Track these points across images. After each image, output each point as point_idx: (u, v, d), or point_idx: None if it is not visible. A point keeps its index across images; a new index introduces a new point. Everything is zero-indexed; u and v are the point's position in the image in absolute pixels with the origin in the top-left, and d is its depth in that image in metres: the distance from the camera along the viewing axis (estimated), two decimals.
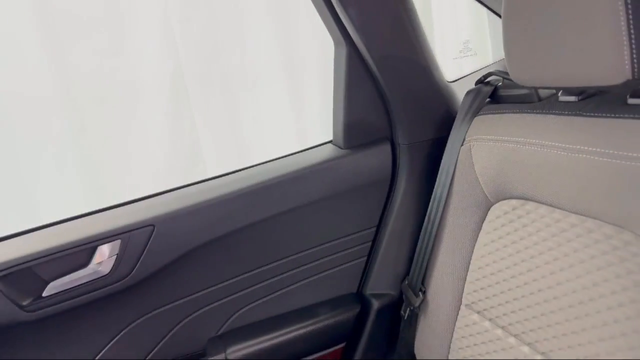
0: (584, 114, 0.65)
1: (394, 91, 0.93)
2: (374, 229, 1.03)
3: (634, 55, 0.52)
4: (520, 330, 0.72)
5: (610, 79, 0.54)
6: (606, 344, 0.59)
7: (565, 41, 0.57)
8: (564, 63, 0.59)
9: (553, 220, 0.67)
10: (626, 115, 0.59)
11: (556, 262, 0.67)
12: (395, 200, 1.00)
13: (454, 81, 1.05)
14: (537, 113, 0.73)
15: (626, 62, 0.52)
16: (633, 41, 0.51)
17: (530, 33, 0.62)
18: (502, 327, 0.75)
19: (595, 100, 0.67)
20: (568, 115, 0.67)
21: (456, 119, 0.87)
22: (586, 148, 0.62)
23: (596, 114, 0.63)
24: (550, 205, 0.68)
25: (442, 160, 0.88)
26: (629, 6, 0.50)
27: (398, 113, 0.96)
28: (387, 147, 0.99)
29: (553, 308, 0.67)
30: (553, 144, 0.67)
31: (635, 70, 0.52)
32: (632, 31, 0.51)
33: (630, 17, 0.50)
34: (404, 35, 0.89)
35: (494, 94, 0.85)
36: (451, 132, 0.87)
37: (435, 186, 0.89)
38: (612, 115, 0.61)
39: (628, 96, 0.61)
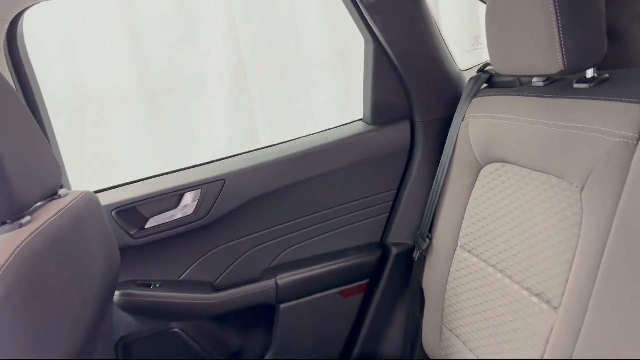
0: (544, 95, 0.86)
1: (411, 79, 1.17)
2: (394, 191, 1.27)
3: (564, 52, 0.73)
4: (497, 261, 0.94)
5: (550, 70, 0.76)
6: (550, 271, 0.81)
7: (521, 39, 0.79)
8: (521, 56, 0.80)
9: (521, 177, 0.89)
10: (570, 96, 0.80)
11: (522, 208, 0.88)
12: (413, 167, 1.24)
13: (466, 70, 1.26)
14: (515, 95, 0.94)
15: (558, 56, 0.73)
16: (562, 41, 0.72)
17: (502, 32, 0.84)
18: (485, 261, 0.98)
19: (556, 85, 0.87)
20: (534, 97, 0.88)
21: (460, 101, 1.10)
22: (543, 121, 0.83)
23: (552, 96, 0.84)
24: (520, 166, 0.90)
25: (448, 134, 1.11)
26: (559, 14, 0.72)
27: (415, 96, 1.19)
28: (406, 124, 1.23)
29: (520, 243, 0.89)
30: (523, 118, 0.88)
31: (566, 63, 0.73)
32: (561, 34, 0.72)
33: (560, 22, 0.72)
34: (419, 33, 1.12)
35: (489, 80, 1.07)
36: (456, 112, 1.10)
37: (442, 155, 1.12)
38: (562, 96, 0.82)
39: (574, 82, 0.82)
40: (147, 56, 2.38)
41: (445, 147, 1.11)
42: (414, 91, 1.19)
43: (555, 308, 0.77)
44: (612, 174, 0.66)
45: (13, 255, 0.58)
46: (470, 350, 0.98)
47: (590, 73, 0.80)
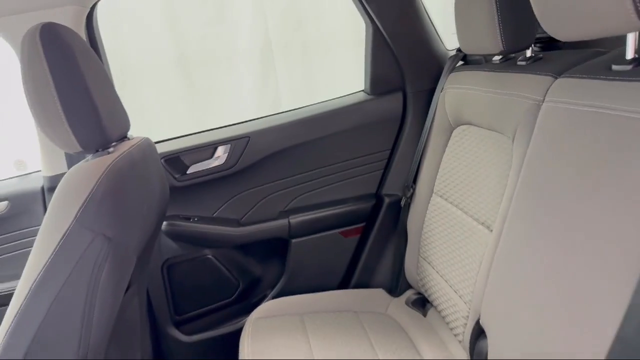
0: (496, 70, 1.10)
1: (403, 57, 1.41)
2: (388, 151, 1.53)
3: (502, 34, 0.96)
4: (459, 202, 1.20)
5: (493, 50, 1.00)
6: (492, 204, 1.06)
7: (474, 24, 1.03)
8: (475, 38, 1.04)
9: (480, 135, 1.14)
10: (511, 71, 1.04)
11: (478, 159, 1.13)
12: (404, 130, 1.49)
13: (451, 50, 1.49)
14: (478, 70, 1.18)
15: (499, 40, 0.97)
16: (500, 24, 0.96)
17: (464, 18, 1.08)
18: (450, 202, 1.23)
19: (508, 62, 1.11)
20: (490, 71, 1.12)
21: (441, 75, 1.34)
22: (494, 90, 1.07)
23: (501, 70, 1.08)
24: (479, 126, 1.14)
25: (431, 102, 1.35)
26: (498, 5, 0.95)
27: (407, 72, 1.44)
28: (399, 95, 1.48)
29: (475, 186, 1.13)
30: (482, 88, 1.12)
31: (504, 44, 0.97)
32: (500, 22, 0.96)
33: (498, 5, 0.95)
34: (409, 17, 1.36)
35: (464, 57, 1.30)
36: (437, 84, 1.34)
37: (426, 120, 1.37)
38: (506, 70, 1.06)
39: (518, 59, 1.05)
40: (183, 34, 2.70)
41: (429, 113, 1.36)
42: (406, 67, 1.43)
43: (491, 231, 1.03)
44: (527, 127, 0.91)
45: (105, 172, 0.87)
46: (437, 272, 1.25)
47: (528, 53, 1.03)
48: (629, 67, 0.73)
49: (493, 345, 0.90)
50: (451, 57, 1.34)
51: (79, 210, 0.79)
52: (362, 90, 1.56)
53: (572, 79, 0.82)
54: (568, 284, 0.71)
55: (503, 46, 0.97)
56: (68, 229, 0.79)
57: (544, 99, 0.86)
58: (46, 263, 0.77)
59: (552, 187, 0.78)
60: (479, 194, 1.11)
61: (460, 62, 1.31)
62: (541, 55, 1.02)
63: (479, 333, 0.99)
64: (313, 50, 2.90)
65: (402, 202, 1.45)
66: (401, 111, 1.49)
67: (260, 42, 2.92)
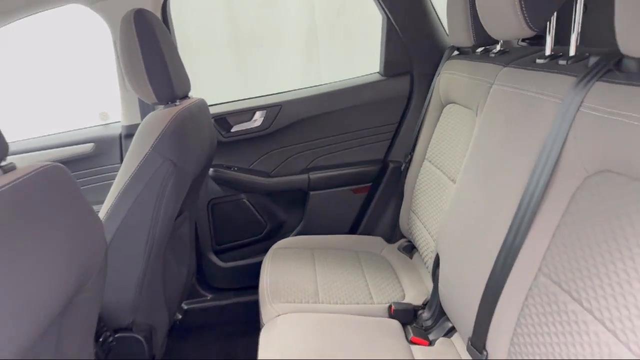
0: (474, 60, 1.37)
1: (411, 45, 1.70)
2: (396, 124, 1.82)
3: (473, 28, 1.24)
4: (440, 165, 1.48)
5: (464, 43, 1.27)
6: (460, 162, 1.34)
7: (451, 17, 1.30)
8: (454, 30, 1.32)
9: (459, 111, 1.42)
10: (484, 61, 1.30)
11: (456, 130, 1.41)
12: (410, 107, 1.78)
13: None
14: (464, 59, 1.45)
15: (471, 32, 1.25)
16: (472, 20, 1.23)
17: (451, 8, 1.35)
18: (435, 165, 1.52)
19: (483, 54, 1.37)
20: (470, 60, 1.39)
21: (440, 62, 1.61)
22: (469, 75, 1.34)
23: (477, 60, 1.35)
24: (459, 104, 1.42)
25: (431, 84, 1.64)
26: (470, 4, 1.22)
27: (414, 57, 1.72)
28: (407, 77, 1.77)
29: (451, 149, 1.42)
30: (461, 73, 1.40)
31: (474, 37, 1.25)
32: (471, 14, 1.23)
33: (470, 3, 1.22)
34: (417, 11, 1.64)
35: (459, 48, 1.57)
36: (437, 70, 1.62)
37: (426, 99, 1.65)
38: (481, 60, 1.32)
39: (490, 52, 1.32)
40: (238, 14, 3.08)
41: (429, 93, 1.64)
42: (413, 54, 1.72)
43: (454, 183, 1.32)
44: (482, 104, 1.19)
45: (173, 117, 1.24)
46: (420, 221, 1.55)
47: (498, 47, 1.30)
48: (545, 61, 1.00)
49: (442, 265, 1.21)
50: (449, 47, 1.61)
51: (154, 141, 1.16)
52: (377, 72, 1.85)
53: (511, 68, 1.10)
54: (485, 210, 1.01)
55: (474, 40, 1.25)
56: (145, 154, 1.16)
57: (493, 82, 1.14)
58: (129, 177, 1.15)
59: (486, 146, 1.07)
60: (453, 157, 1.40)
61: (456, 52, 1.58)
62: (508, 49, 1.29)
63: (438, 261, 1.30)
64: (354, 33, 3.20)
65: (402, 167, 1.75)
66: (408, 91, 1.78)
67: (307, 24, 3.25)
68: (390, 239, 1.78)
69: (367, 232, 1.87)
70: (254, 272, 1.67)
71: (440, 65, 1.60)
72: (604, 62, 0.79)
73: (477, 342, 0.96)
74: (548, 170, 0.82)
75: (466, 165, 1.18)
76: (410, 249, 1.69)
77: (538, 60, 1.02)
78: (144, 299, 1.23)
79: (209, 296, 1.92)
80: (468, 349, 1.00)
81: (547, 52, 1.02)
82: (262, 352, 1.16)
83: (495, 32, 1.02)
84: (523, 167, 0.90)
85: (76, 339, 0.81)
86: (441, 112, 1.56)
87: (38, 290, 0.62)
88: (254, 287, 1.55)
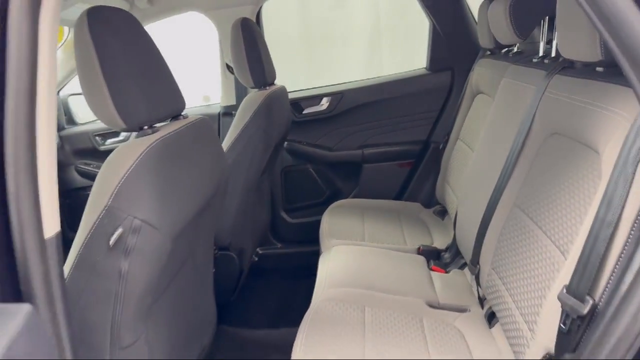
0: (498, 59, 1.72)
1: (452, 45, 2.07)
2: (437, 111, 2.20)
3: (491, 34, 1.60)
4: (468, 142, 1.84)
5: (488, 45, 1.64)
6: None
7: (480, 25, 1.67)
8: (481, 35, 1.69)
9: (484, 99, 1.78)
10: (501, 59, 1.66)
11: (479, 114, 1.78)
12: (450, 97, 2.15)
13: None
14: (491, 58, 1.80)
15: (491, 37, 1.61)
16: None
17: (479, 19, 1.72)
18: (465, 143, 1.88)
19: (505, 55, 1.72)
20: (495, 59, 1.74)
21: (475, 60, 1.97)
22: (491, 70, 1.70)
23: (501, 59, 1.70)
24: (484, 94, 1.78)
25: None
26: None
27: (455, 56, 2.09)
28: (449, 72, 2.14)
29: (477, 128, 1.78)
30: (487, 69, 1.75)
31: (494, 41, 1.61)
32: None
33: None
34: (457, 16, 2.00)
35: (489, 48, 1.92)
36: (472, 66, 1.98)
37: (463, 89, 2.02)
38: (503, 60, 1.68)
39: (509, 52, 1.67)
40: (310, 15, 3.56)
41: (464, 86, 2.01)
42: (454, 53, 2.08)
43: (473, 152, 1.68)
44: (495, 92, 1.55)
45: (264, 98, 1.71)
46: (451, 189, 1.92)
47: (515, 49, 1.65)
48: (537, 60, 1.36)
49: (459, 214, 1.59)
50: (482, 49, 1.96)
51: (252, 114, 1.64)
52: (424, 67, 2.24)
53: (515, 66, 1.46)
54: (487, 167, 1.39)
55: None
56: (245, 123, 1.64)
57: (504, 76, 1.51)
58: (235, 137, 1.64)
59: (493, 121, 1.45)
60: (477, 134, 1.76)
61: (487, 52, 1.93)
62: (522, 50, 1.64)
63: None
64: (415, 33, 3.56)
65: (440, 147, 2.12)
66: (449, 83, 2.15)
67: (370, 25, 3.67)
68: (427, 205, 2.17)
69: (409, 199, 2.27)
70: (315, 228, 2.12)
71: (475, 63, 1.96)
72: (563, 61, 1.15)
73: (474, 260, 1.35)
74: (523, 134, 1.19)
75: (481, 137, 1.56)
76: (443, 213, 2.07)
77: (534, 60, 1.38)
78: (238, 226, 1.72)
79: (279, 245, 2.40)
80: (468, 267, 1.38)
81: (540, 53, 1.37)
82: (320, 270, 1.61)
83: (499, 38, 1.39)
84: (511, 133, 1.27)
85: (204, 242, 1.27)
86: (472, 101, 1.92)
87: (195, 187, 1.08)
88: (314, 240, 1.99)
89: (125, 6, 1.95)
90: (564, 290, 0.85)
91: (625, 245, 0.75)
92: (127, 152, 0.89)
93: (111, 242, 0.83)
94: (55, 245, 0.68)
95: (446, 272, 1.60)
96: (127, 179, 0.85)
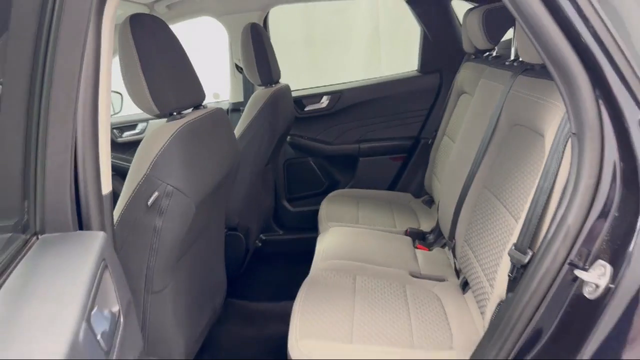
0: (477, 62, 1.93)
1: (441, 50, 2.28)
2: (427, 109, 2.41)
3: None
4: (452, 136, 2.05)
5: (470, 49, 1.84)
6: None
7: (463, 32, 1.88)
8: (464, 41, 1.89)
9: (466, 98, 1.98)
10: (480, 62, 1.87)
11: (462, 111, 1.98)
12: (439, 97, 2.36)
13: None
14: (472, 62, 2.01)
15: (471, 42, 1.81)
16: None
17: (463, 26, 1.93)
18: (449, 138, 2.09)
19: (485, 59, 1.94)
20: (476, 63, 1.95)
21: (461, 63, 2.18)
22: (470, 72, 1.91)
23: (478, 62, 1.91)
24: (467, 93, 1.98)
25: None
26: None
27: (442, 60, 2.30)
28: (437, 74, 2.35)
29: (458, 126, 1.99)
30: (467, 71, 1.96)
31: (420, 66, 1.82)
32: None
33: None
34: (445, 24, 2.21)
35: (475, 54, 2.12)
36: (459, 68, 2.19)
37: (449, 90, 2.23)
38: (480, 62, 1.89)
39: (492, 55, 1.88)
40: (313, 19, 3.78)
41: (451, 87, 2.21)
42: (442, 57, 2.30)
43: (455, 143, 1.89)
44: (474, 91, 1.75)
45: (269, 95, 1.91)
46: (437, 179, 2.13)
47: (494, 53, 1.85)
48: (509, 63, 1.57)
49: (441, 197, 1.79)
50: (467, 54, 2.17)
51: (258, 110, 1.85)
52: (416, 70, 2.45)
53: (491, 68, 1.66)
54: (464, 155, 1.59)
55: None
56: (252, 117, 1.85)
57: (481, 77, 1.71)
58: (243, 130, 1.85)
59: (470, 116, 1.66)
60: (459, 129, 1.97)
61: (472, 56, 2.14)
62: (500, 55, 1.84)
63: None
64: (412, 38, 3.78)
65: (429, 142, 2.33)
66: (438, 84, 2.36)
67: (370, 30, 3.88)
68: (417, 195, 2.38)
69: (401, 190, 2.48)
70: (315, 216, 2.32)
71: (461, 66, 2.16)
72: (525, 63, 1.36)
73: (450, 236, 1.55)
74: (492, 127, 1.40)
75: (461, 131, 1.76)
76: (431, 202, 2.27)
77: (506, 62, 1.59)
78: (245, 209, 1.93)
79: (281, 231, 2.61)
80: (446, 242, 1.59)
81: (512, 57, 1.58)
82: (318, 246, 1.81)
83: (475, 43, 1.60)
84: (483, 126, 1.48)
85: (218, 217, 1.47)
86: (458, 100, 2.13)
87: (214, 164, 1.29)
88: (313, 227, 2.18)
89: (145, 11, 2.16)
90: (513, 247, 1.05)
91: (557, 208, 0.95)
92: (161, 132, 1.09)
93: (149, 202, 1.04)
94: (109, 201, 0.89)
95: (429, 250, 1.80)
96: (162, 153, 1.05)
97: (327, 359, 1.17)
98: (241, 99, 2.47)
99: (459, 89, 2.10)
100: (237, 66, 2.42)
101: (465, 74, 2.03)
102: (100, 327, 0.65)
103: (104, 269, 0.71)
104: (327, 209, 2.14)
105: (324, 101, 2.48)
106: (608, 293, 0.74)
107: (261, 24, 2.36)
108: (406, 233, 1.93)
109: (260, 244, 2.52)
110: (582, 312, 0.79)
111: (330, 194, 2.34)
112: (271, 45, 2.04)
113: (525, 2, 0.77)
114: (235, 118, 2.42)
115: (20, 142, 0.78)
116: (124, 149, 2.38)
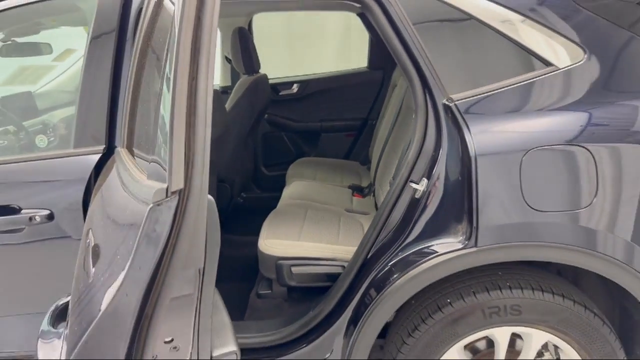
0: None
1: (384, 52, 2.99)
2: (373, 98, 3.12)
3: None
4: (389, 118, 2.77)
5: None
6: None
7: None
8: None
9: (397, 88, 2.70)
10: None
11: (395, 96, 2.70)
12: (383, 87, 3.08)
13: None
14: None
15: None
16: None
17: None
18: (385, 118, 2.81)
19: None
20: None
21: None
22: None
23: None
24: (396, 85, 2.70)
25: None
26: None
27: (386, 59, 3.02)
28: (382, 71, 3.07)
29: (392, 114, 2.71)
30: None
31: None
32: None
33: None
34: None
35: None
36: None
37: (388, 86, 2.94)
38: None
39: None
40: (291, 15, 4.41)
41: (391, 80, 2.92)
42: (385, 59, 3.00)
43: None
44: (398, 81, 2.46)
45: (252, 81, 2.59)
46: (375, 150, 2.85)
47: None
48: None
49: (372, 163, 2.52)
50: None
51: (244, 91, 2.53)
52: (365, 66, 3.17)
53: None
54: (384, 131, 2.32)
55: None
56: (238, 98, 2.54)
57: (401, 76, 2.42)
58: (231, 107, 2.53)
59: (392, 102, 2.38)
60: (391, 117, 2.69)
61: None
62: None
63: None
64: None
65: (374, 123, 3.05)
66: (381, 79, 3.08)
67: (343, 28, 4.55)
68: (363, 163, 3.10)
69: (352, 159, 3.20)
70: (285, 179, 3.00)
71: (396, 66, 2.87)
72: None
73: (372, 183, 2.28)
74: (399, 106, 2.12)
75: (387, 112, 2.48)
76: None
77: None
78: (231, 166, 2.61)
79: (258, 191, 3.30)
80: (374, 191, 2.32)
81: None
82: (283, 193, 2.52)
83: None
84: (396, 107, 2.19)
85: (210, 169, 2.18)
86: (393, 91, 2.84)
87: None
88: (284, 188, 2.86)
89: None
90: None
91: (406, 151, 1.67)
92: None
93: None
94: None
95: (363, 198, 2.53)
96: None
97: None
98: (229, 84, 3.14)
99: (394, 83, 2.81)
100: (226, 58, 3.08)
101: (398, 72, 2.74)
102: None
103: None
104: (293, 170, 2.85)
105: (295, 88, 3.17)
106: (423, 194, 1.47)
107: (246, 27, 3.03)
108: (348, 187, 2.66)
109: (241, 201, 3.21)
110: (413, 205, 1.52)
111: (297, 161, 3.04)
112: (253, 44, 2.72)
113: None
114: (224, 99, 3.09)
115: None
116: None
